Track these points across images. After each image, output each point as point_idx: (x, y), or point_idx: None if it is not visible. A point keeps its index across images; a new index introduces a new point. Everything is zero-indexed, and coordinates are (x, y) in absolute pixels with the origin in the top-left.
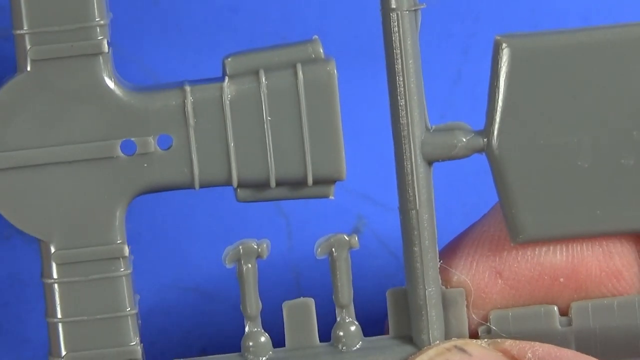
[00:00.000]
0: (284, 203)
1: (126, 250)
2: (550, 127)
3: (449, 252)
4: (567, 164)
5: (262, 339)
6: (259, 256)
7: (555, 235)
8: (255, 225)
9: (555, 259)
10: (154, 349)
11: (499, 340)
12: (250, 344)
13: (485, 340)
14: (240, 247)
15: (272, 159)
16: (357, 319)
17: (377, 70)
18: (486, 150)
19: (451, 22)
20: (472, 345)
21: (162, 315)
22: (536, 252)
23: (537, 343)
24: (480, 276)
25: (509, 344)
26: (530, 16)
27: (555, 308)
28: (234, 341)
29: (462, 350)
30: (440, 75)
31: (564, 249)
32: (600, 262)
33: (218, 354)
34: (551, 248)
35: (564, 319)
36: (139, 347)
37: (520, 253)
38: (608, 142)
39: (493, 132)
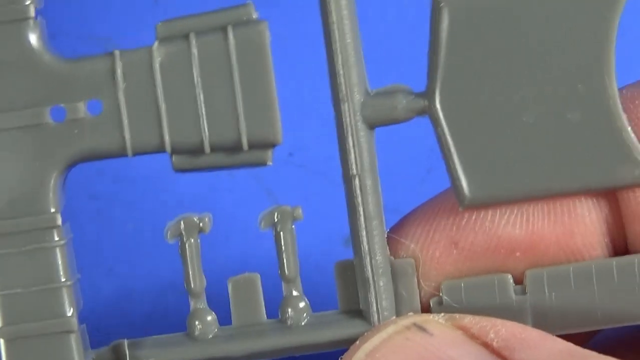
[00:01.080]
0: (284, 203)
1: (59, 220)
2: (493, 84)
3: (402, 223)
4: (511, 122)
5: (208, 317)
6: (201, 230)
7: (503, 198)
8: (253, 227)
9: (514, 232)
10: None
11: (456, 316)
12: (196, 322)
13: (442, 315)
14: (182, 221)
15: (205, 122)
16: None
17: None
18: (428, 111)
19: None
20: (432, 323)
21: (162, 315)
22: (495, 224)
23: (499, 321)
24: (436, 245)
25: (468, 320)
26: None
27: (510, 277)
28: None
29: (422, 329)
30: None
31: (524, 223)
32: (559, 240)
33: None
34: (510, 220)
35: (518, 287)
36: (74, 319)
37: (478, 224)
38: (552, 96)
39: (434, 93)
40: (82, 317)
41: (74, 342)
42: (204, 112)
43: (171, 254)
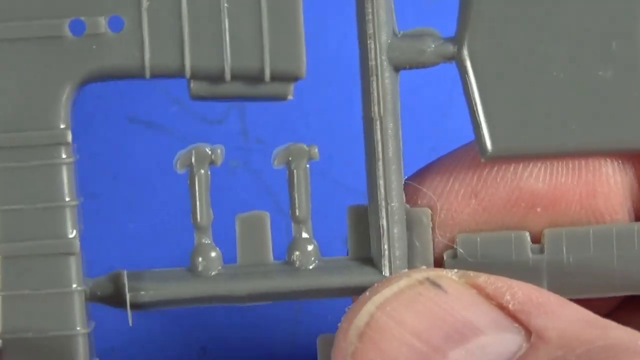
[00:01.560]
0: (284, 202)
1: (69, 136)
2: (525, 35)
3: (421, 172)
4: (541, 75)
5: (213, 253)
6: (212, 162)
7: (527, 152)
8: None
9: (537, 185)
10: (154, 348)
11: (471, 273)
12: (200, 258)
13: (455, 271)
14: (193, 151)
15: (229, 48)
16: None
17: None
18: (456, 57)
19: None
20: (446, 280)
21: (162, 314)
22: (517, 176)
23: (515, 282)
24: (454, 194)
25: (483, 279)
26: None
27: (527, 234)
28: (234, 341)
29: (435, 284)
30: None
31: (547, 177)
32: (582, 199)
33: (218, 353)
34: (534, 173)
35: (535, 246)
36: (76, 241)
37: (500, 175)
38: (585, 52)
39: (464, 39)
40: None
41: (74, 264)
42: (227, 38)
43: (172, 254)
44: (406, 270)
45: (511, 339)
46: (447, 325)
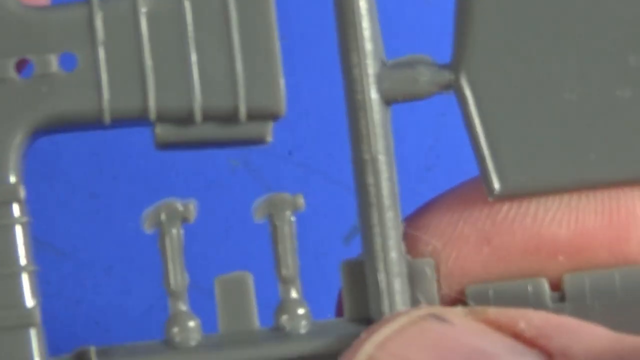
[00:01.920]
0: None
1: (21, 192)
2: (529, 56)
3: (421, 214)
4: (550, 100)
5: (191, 322)
6: (185, 219)
7: (540, 188)
8: (253, 226)
9: (559, 231)
10: None
11: (478, 309)
12: (176, 329)
13: (461, 308)
14: (163, 208)
15: (197, 86)
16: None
17: None
18: (454, 86)
19: None
20: (451, 314)
21: (162, 313)
22: (537, 221)
23: (529, 310)
24: (463, 241)
25: (492, 312)
26: None
27: (546, 282)
28: None
29: (440, 318)
30: None
31: (571, 221)
32: (612, 245)
33: None
34: (556, 217)
35: (555, 294)
36: (37, 311)
37: (517, 219)
38: (598, 70)
39: (461, 65)
40: (83, 314)
41: (35, 338)
42: (196, 74)
43: None
44: (404, 308)
45: None
46: (458, 356)
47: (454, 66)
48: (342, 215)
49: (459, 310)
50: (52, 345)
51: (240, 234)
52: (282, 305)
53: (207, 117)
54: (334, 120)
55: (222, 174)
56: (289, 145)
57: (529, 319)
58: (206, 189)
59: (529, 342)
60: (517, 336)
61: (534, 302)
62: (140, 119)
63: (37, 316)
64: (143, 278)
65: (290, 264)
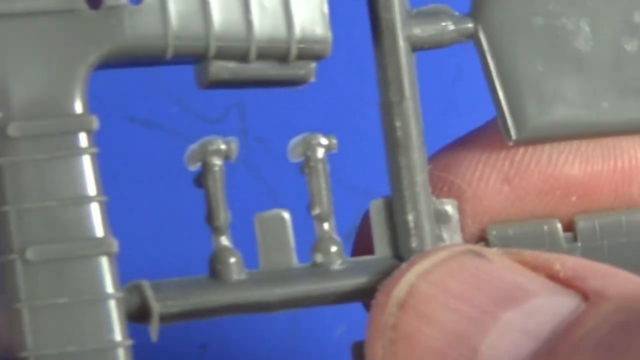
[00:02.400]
0: (284, 202)
1: (94, 123)
2: (545, 7)
3: (444, 155)
4: (565, 51)
5: (233, 258)
6: (227, 157)
7: (556, 134)
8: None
9: (572, 173)
10: (153, 345)
11: (514, 250)
12: (219, 265)
13: (496, 249)
14: (207, 144)
15: (255, 26)
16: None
17: None
18: (474, 35)
19: None
20: (489, 252)
21: None
22: (552, 163)
23: (563, 255)
24: (485, 181)
25: (528, 254)
26: None
27: (558, 223)
28: (234, 338)
29: (479, 255)
30: None
31: (583, 164)
32: (617, 188)
33: (219, 351)
34: (569, 160)
35: (568, 235)
36: (110, 240)
37: (534, 160)
38: (609, 23)
39: (481, 15)
40: None
41: (110, 267)
42: (254, 13)
43: (172, 253)
44: (444, 244)
45: (567, 301)
46: (497, 290)
47: (473, 16)
48: (343, 215)
49: (495, 250)
50: None
51: (241, 234)
52: (318, 243)
53: (260, 56)
54: (334, 120)
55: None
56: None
57: (564, 261)
58: None
59: (564, 283)
60: (552, 277)
61: (549, 241)
62: (199, 54)
63: (109, 245)
64: (142, 277)
65: (325, 201)
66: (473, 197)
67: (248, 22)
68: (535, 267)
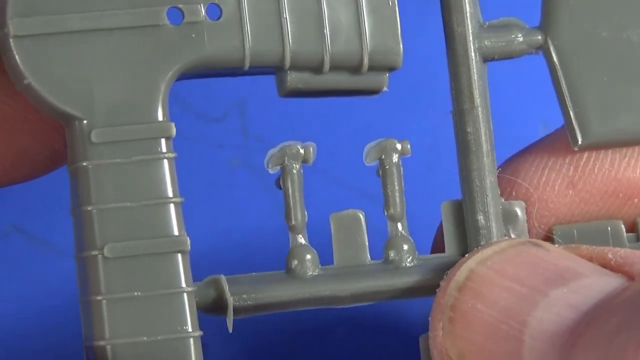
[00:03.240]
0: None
1: (172, 129)
2: (614, 19)
3: (513, 162)
4: (632, 61)
5: (309, 255)
6: (304, 160)
7: (620, 140)
8: (254, 225)
9: (634, 176)
10: None
11: (572, 245)
12: (295, 261)
13: (556, 245)
14: (286, 149)
15: (328, 37)
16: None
17: None
18: (543, 47)
19: None
20: (547, 243)
21: None
22: (614, 166)
23: (617, 247)
24: (551, 185)
25: (585, 247)
26: None
27: (622, 224)
28: (234, 335)
29: (537, 244)
30: None
31: None
32: None
33: (219, 350)
34: (631, 164)
35: (630, 235)
36: (185, 238)
37: (598, 164)
38: None
39: (550, 28)
40: None
41: (184, 264)
42: (327, 26)
43: None
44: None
45: (613, 281)
46: (549, 272)
47: (543, 29)
48: None
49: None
50: (51, 344)
51: (241, 234)
52: (390, 241)
53: (334, 67)
54: (334, 120)
55: (222, 174)
56: None
57: (616, 251)
58: (206, 189)
59: (615, 269)
60: (604, 265)
61: (613, 241)
62: (275, 67)
63: (184, 243)
64: None
65: (398, 203)
66: (539, 200)
67: (322, 36)
68: (590, 258)
